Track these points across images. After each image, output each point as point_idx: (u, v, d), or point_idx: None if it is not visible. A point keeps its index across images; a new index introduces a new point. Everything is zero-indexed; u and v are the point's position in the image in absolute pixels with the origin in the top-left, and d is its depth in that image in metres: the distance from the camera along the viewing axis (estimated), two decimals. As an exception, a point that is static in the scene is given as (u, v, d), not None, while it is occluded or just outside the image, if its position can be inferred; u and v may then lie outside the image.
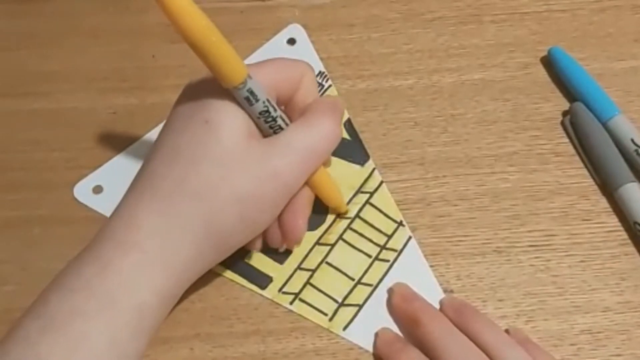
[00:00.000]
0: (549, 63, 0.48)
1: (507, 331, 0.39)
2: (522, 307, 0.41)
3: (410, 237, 0.42)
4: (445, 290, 0.41)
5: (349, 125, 0.46)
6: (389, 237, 0.43)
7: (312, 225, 0.43)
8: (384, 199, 0.44)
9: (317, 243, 0.42)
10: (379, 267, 0.42)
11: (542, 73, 0.48)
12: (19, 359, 0.31)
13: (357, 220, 0.43)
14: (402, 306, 0.40)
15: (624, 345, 0.40)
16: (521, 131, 0.46)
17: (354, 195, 0.44)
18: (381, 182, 0.44)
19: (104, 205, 0.43)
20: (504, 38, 0.49)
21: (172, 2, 0.30)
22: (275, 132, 0.36)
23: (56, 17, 0.50)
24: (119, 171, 0.44)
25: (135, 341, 0.33)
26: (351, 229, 0.43)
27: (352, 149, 0.45)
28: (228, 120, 0.34)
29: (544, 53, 0.48)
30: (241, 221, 0.35)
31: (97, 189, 0.44)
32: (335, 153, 0.44)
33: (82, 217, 0.43)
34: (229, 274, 0.42)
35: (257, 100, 0.34)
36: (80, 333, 0.31)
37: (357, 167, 0.45)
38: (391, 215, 0.43)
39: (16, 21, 0.50)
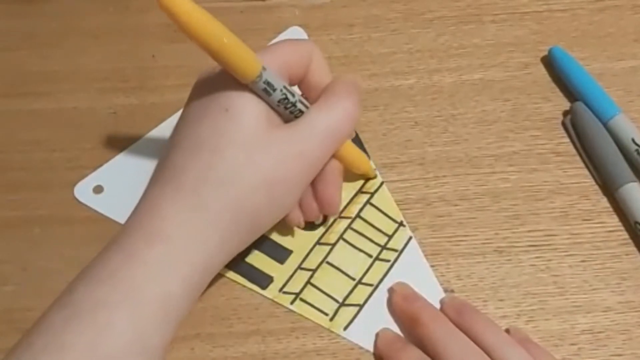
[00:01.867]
0: (549, 63, 0.48)
1: (507, 331, 0.39)
2: (523, 307, 0.41)
3: (410, 237, 0.42)
4: (445, 290, 0.41)
5: None
6: (390, 237, 0.43)
7: (313, 225, 0.43)
8: (385, 199, 0.44)
9: (318, 243, 0.42)
10: (380, 267, 0.42)
11: (542, 73, 0.48)
12: (43, 349, 0.30)
13: (358, 220, 0.43)
14: (402, 306, 0.40)
15: (624, 345, 0.40)
16: (521, 131, 0.46)
17: (355, 195, 0.44)
18: (382, 183, 0.44)
19: (105, 205, 0.43)
20: (504, 38, 0.49)
21: (180, 8, 0.31)
22: (296, 117, 0.37)
23: (56, 17, 0.50)
24: (119, 171, 0.44)
25: (160, 331, 0.32)
26: (352, 228, 0.43)
27: None
28: (248, 108, 0.35)
29: (544, 53, 0.48)
30: (269, 202, 0.36)
31: (98, 189, 0.44)
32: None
33: (82, 217, 0.43)
34: (229, 274, 0.42)
35: (274, 90, 0.35)
36: (105, 323, 0.31)
37: None
38: (392, 215, 0.43)
39: (16, 21, 0.50)
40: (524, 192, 0.44)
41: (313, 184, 0.39)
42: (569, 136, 0.45)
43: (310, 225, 0.43)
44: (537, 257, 0.42)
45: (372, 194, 0.44)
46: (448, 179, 0.44)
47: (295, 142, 0.36)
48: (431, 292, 0.41)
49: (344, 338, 0.40)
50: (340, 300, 0.41)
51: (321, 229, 0.43)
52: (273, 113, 0.36)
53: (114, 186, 0.44)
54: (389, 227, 0.43)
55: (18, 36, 0.49)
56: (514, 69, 0.48)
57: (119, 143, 0.45)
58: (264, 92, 0.35)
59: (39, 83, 0.47)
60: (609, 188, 0.43)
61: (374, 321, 0.40)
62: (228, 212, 0.34)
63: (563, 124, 0.46)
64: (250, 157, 0.34)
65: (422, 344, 0.38)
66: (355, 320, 0.40)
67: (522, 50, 0.48)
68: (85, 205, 0.43)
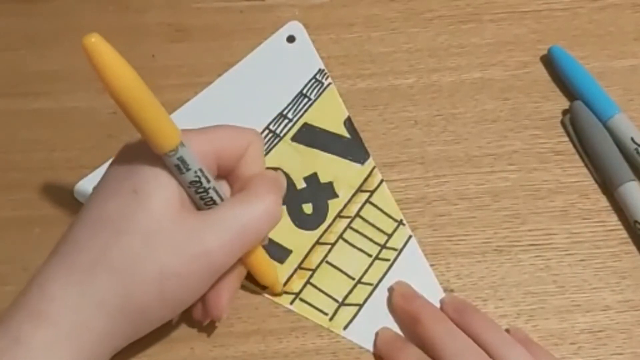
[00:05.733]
0: (549, 62, 0.48)
1: (507, 330, 0.39)
2: (523, 306, 0.41)
3: (410, 236, 0.42)
4: (445, 290, 0.41)
5: (349, 123, 0.46)
6: (389, 236, 0.43)
7: (313, 225, 0.43)
8: (384, 197, 0.44)
9: (317, 242, 0.42)
10: (379, 267, 0.42)
11: (542, 72, 0.48)
12: None
13: (357, 219, 0.43)
14: (402, 305, 0.40)
15: (624, 344, 0.40)
16: (521, 130, 0.46)
17: (354, 194, 0.44)
18: (381, 181, 0.44)
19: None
20: (503, 37, 0.49)
21: (101, 56, 0.29)
22: (207, 205, 0.35)
23: (56, 17, 0.50)
24: (119, 171, 0.44)
25: None
26: (351, 228, 0.43)
27: (352, 147, 0.45)
28: (158, 191, 0.33)
29: (544, 52, 0.48)
30: (162, 299, 0.33)
31: (98, 189, 0.44)
32: (335, 152, 0.45)
33: (82, 217, 0.43)
34: (229, 273, 0.42)
35: (188, 170, 0.33)
36: None
37: (358, 165, 0.45)
38: (391, 214, 0.43)
39: (16, 21, 0.50)
40: (524, 191, 0.44)
41: None
42: (568, 135, 0.45)
43: (309, 225, 0.43)
44: (536, 256, 0.42)
45: (372, 193, 0.44)
46: (448, 178, 0.44)
47: (202, 236, 0.33)
48: (431, 291, 0.41)
49: (344, 338, 0.40)
50: (340, 299, 0.41)
51: (321, 229, 0.43)
52: (187, 198, 0.34)
53: (113, 186, 0.44)
54: (389, 226, 0.43)
55: (18, 36, 0.49)
56: (514, 68, 0.48)
57: (118, 143, 0.45)
58: (176, 168, 0.33)
59: (39, 83, 0.47)
60: (608, 187, 0.43)
61: (374, 321, 0.40)
62: (117, 301, 0.32)
63: (562, 123, 0.46)
64: (148, 246, 0.32)
65: (422, 343, 0.38)
66: (355, 320, 0.40)
67: (522, 49, 0.48)
68: (86, 205, 0.44)
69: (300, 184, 0.44)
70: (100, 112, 0.46)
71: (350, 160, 0.45)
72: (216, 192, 0.35)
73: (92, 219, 0.34)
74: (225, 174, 0.37)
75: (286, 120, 0.46)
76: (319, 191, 0.44)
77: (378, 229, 0.43)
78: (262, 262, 0.39)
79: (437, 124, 0.46)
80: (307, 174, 0.44)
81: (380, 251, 0.42)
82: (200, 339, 0.40)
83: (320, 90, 0.47)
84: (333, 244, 0.42)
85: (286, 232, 0.43)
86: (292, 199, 0.43)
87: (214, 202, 0.35)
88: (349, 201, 0.44)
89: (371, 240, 0.43)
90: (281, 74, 0.47)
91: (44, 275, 0.33)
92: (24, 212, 0.43)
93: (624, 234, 0.43)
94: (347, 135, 0.45)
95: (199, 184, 0.34)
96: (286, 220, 0.43)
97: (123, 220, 0.33)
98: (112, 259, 0.32)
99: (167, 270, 0.33)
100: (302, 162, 0.44)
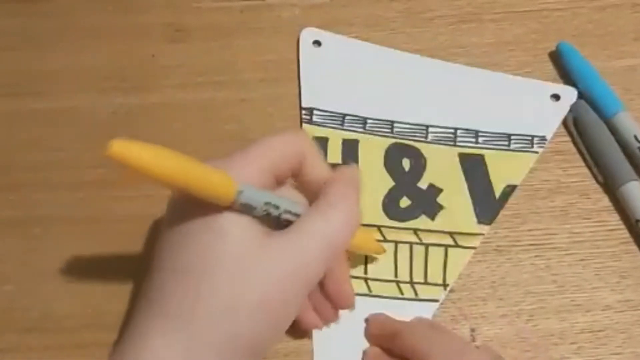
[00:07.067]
0: (549, 61, 0.48)
1: (473, 339, 0.39)
2: (523, 305, 0.41)
3: (436, 301, 0.41)
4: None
5: (509, 190, 0.43)
6: (424, 284, 0.41)
7: (392, 216, 0.43)
8: (457, 259, 0.42)
9: (379, 230, 0.42)
10: (391, 291, 0.41)
11: (542, 72, 0.48)
12: None
13: (421, 246, 0.42)
14: (379, 329, 0.39)
15: (624, 343, 0.40)
16: (521, 130, 0.46)
17: (445, 232, 0.42)
18: (472, 248, 0.42)
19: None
20: (503, 37, 0.49)
21: (131, 156, 0.28)
22: (285, 226, 0.34)
23: (56, 17, 0.50)
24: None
25: None
26: (409, 245, 0.42)
27: (484, 206, 0.43)
28: (232, 226, 0.32)
29: (544, 52, 0.48)
30: (268, 324, 0.33)
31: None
32: (471, 194, 0.44)
33: (82, 217, 0.43)
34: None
35: (254, 209, 0.32)
36: None
37: (475, 219, 0.43)
38: (446, 273, 0.41)
39: (16, 21, 0.50)
40: (524, 191, 0.44)
41: (321, 282, 0.36)
42: (570, 134, 0.45)
43: (389, 214, 0.43)
44: (537, 256, 0.42)
45: (455, 247, 0.42)
46: (448, 178, 0.44)
47: (289, 257, 0.32)
48: None
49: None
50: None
51: (392, 223, 0.42)
52: (262, 225, 0.33)
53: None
54: (434, 277, 0.41)
55: (18, 36, 0.49)
56: (514, 68, 0.48)
57: (118, 143, 0.45)
58: (244, 210, 0.32)
59: (39, 83, 0.47)
60: (610, 186, 0.43)
61: (349, 345, 0.40)
62: (226, 342, 0.31)
63: (564, 122, 0.46)
64: (240, 281, 0.31)
65: (406, 352, 0.37)
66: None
67: (522, 49, 0.48)
68: (86, 205, 0.43)
69: (423, 185, 0.43)
70: (100, 112, 0.46)
71: (474, 213, 0.43)
72: (289, 213, 0.34)
73: (172, 271, 0.32)
74: (284, 179, 0.36)
75: (475, 140, 0.45)
76: (427, 200, 0.43)
77: (424, 271, 0.41)
78: (360, 242, 0.39)
79: (437, 124, 0.46)
80: (433, 182, 0.43)
81: (404, 284, 0.41)
82: (200, 339, 0.40)
83: (523, 148, 0.45)
84: (384, 241, 0.42)
85: (369, 209, 0.42)
86: (401, 186, 0.43)
87: (290, 222, 0.34)
88: (436, 230, 0.42)
89: (409, 271, 0.41)
90: (515, 110, 0.46)
91: (137, 329, 0.32)
92: (24, 212, 0.43)
93: (624, 233, 0.43)
94: (496, 194, 0.43)
95: (269, 216, 0.33)
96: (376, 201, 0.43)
97: (206, 260, 0.32)
98: (208, 305, 0.31)
99: (265, 297, 0.32)
100: (440, 171, 0.44)
